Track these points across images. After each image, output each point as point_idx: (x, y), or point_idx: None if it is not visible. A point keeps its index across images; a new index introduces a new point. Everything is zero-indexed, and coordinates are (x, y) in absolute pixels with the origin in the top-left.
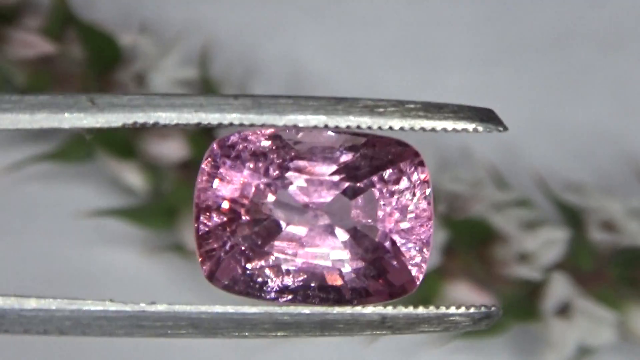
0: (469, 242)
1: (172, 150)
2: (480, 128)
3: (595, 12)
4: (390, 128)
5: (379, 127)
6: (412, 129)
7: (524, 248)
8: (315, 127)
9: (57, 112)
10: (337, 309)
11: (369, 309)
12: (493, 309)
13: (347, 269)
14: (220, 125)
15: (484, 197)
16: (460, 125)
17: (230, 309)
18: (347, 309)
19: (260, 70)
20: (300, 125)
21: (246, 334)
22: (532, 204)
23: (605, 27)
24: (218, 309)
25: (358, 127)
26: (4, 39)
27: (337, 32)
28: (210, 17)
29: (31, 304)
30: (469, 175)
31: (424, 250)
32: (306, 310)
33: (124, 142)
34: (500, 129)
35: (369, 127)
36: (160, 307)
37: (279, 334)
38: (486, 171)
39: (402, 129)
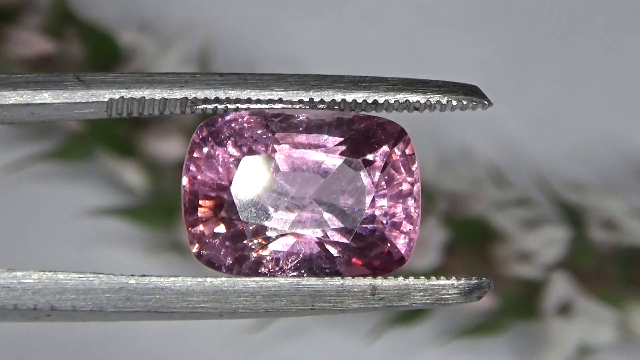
0: (469, 241)
1: (171, 148)
2: (464, 101)
3: (596, 11)
4: (375, 102)
5: (364, 101)
6: (397, 102)
7: (524, 247)
8: (300, 101)
9: (44, 89)
10: (327, 279)
11: (360, 279)
12: (484, 279)
13: (335, 251)
14: (205, 100)
15: (484, 196)
16: (445, 98)
17: (219, 281)
18: (338, 280)
19: (260, 70)
20: (285, 99)
21: (236, 306)
22: (533, 203)
23: (605, 27)
24: (208, 281)
25: (343, 100)
26: (3, 37)
27: (337, 32)
28: (211, 16)
29: (23, 277)
30: (469, 174)
31: (413, 227)
32: (296, 280)
33: (123, 141)
34: (485, 103)
35: (354, 101)
36: (150, 280)
37: (268, 307)
38: (486, 170)
39: (387, 102)
